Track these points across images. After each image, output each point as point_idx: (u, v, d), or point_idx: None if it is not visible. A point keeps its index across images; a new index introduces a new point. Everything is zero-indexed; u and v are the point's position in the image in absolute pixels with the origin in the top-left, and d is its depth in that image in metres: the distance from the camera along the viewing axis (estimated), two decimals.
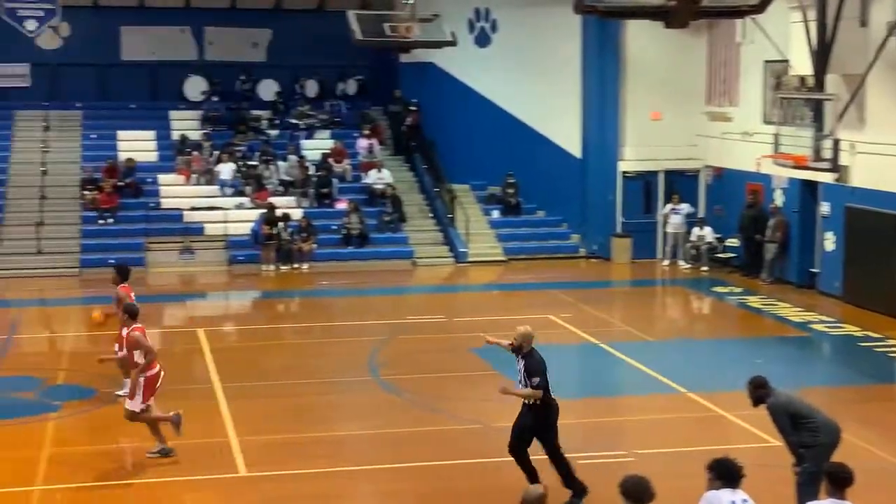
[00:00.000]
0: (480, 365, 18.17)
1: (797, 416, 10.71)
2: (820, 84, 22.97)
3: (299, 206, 29.64)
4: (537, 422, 11.81)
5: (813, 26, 22.93)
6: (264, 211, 28.32)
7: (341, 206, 29.76)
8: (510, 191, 31.04)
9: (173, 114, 32.86)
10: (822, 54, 22.84)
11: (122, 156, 30.53)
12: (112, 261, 27.18)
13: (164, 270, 27.59)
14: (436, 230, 30.20)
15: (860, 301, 22.95)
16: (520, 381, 11.90)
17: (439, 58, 31.15)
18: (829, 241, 24.14)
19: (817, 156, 22.72)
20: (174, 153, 31.15)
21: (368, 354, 18.95)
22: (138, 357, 13.23)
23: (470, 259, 29.05)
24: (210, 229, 28.69)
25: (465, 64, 31.35)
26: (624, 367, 18.64)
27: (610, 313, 23.47)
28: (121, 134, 31.84)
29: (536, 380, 11.68)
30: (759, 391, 10.86)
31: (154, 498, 12.45)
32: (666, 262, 28.60)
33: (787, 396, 10.93)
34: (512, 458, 11.92)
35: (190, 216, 28.91)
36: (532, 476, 11.70)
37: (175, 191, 30.03)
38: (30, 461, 13.41)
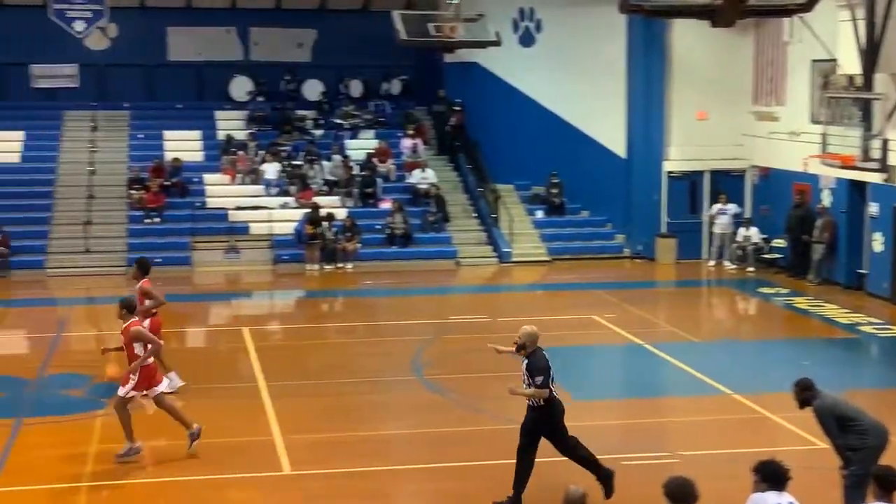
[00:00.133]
0: None
1: (844, 418, 10.60)
2: (868, 83, 22.75)
3: (344, 206, 29.74)
4: (541, 423, 11.72)
5: (861, 25, 22.72)
6: (308, 211, 28.45)
7: (385, 205, 29.83)
8: (554, 191, 30.96)
9: (219, 114, 33.08)
10: (870, 53, 22.62)
11: (169, 155, 30.78)
12: (159, 260, 27.57)
13: (210, 270, 27.79)
14: (479, 230, 30.18)
15: None
16: (524, 383, 11.79)
17: (483, 58, 31.13)
18: (878, 242, 23.87)
19: (865, 156, 22.52)
20: (220, 153, 31.35)
21: (412, 354, 18.97)
22: (138, 349, 13.31)
23: (514, 259, 29.02)
24: (255, 229, 28.85)
25: (509, 64, 31.30)
26: (668, 367, 18.53)
27: (654, 314, 23.34)
28: (167, 134, 32.10)
29: (539, 379, 11.58)
30: (805, 393, 10.76)
31: (199, 495, 12.53)
32: (712, 263, 28.42)
33: (834, 399, 10.82)
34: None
35: (235, 216, 29.09)
36: (520, 480, 11.67)
37: (220, 190, 30.23)
38: (78, 458, 13.55)
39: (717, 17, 19.91)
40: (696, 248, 29.05)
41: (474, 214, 30.73)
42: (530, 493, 11.83)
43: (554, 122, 31.09)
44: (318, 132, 32.69)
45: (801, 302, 23.82)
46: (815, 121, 25.44)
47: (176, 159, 30.44)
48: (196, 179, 30.39)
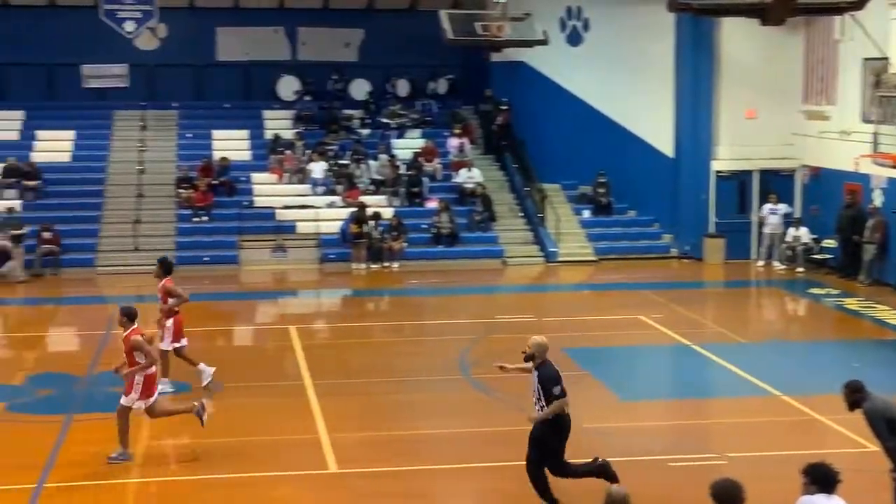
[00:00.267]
0: (571, 365, 18.06)
1: (894, 421, 10.46)
2: None
3: (390, 205, 29.79)
4: (553, 434, 11.45)
5: None
6: (354, 210, 28.53)
7: (432, 205, 29.84)
8: (601, 190, 30.83)
9: (266, 113, 33.26)
10: None
11: (217, 155, 30.98)
12: (206, 258, 27.86)
13: (257, 268, 27.95)
14: (526, 230, 30.12)
15: None
16: (534, 395, 11.50)
17: (530, 57, 31.06)
18: None
19: None
20: (267, 152, 31.52)
21: (459, 353, 18.96)
22: (139, 357, 13.25)
23: (560, 259, 28.93)
24: (302, 228, 28.97)
25: (556, 63, 31.20)
26: (716, 368, 18.39)
27: (702, 314, 23.18)
28: (215, 133, 32.32)
29: (557, 388, 11.29)
30: (855, 395, 10.62)
31: (246, 492, 12.59)
32: (761, 263, 28.17)
33: (884, 401, 10.68)
34: (573, 460, 11.76)
35: (282, 214, 29.23)
36: (544, 489, 11.52)
37: (268, 189, 30.39)
38: None
39: (766, 15, 19.75)
40: (745, 248, 28.82)
41: (521, 214, 30.67)
42: (571, 495, 11.77)
43: (601, 122, 30.95)
44: (365, 131, 32.77)
45: (851, 303, 23.55)
46: (866, 120, 25.15)
47: (224, 158, 30.63)
48: (244, 178, 30.57)
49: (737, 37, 27.88)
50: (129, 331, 13.27)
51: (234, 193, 29.92)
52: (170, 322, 16.26)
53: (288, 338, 20.34)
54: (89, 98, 33.24)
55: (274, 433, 14.52)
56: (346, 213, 28.87)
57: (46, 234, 27.20)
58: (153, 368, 13.41)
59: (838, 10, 21.47)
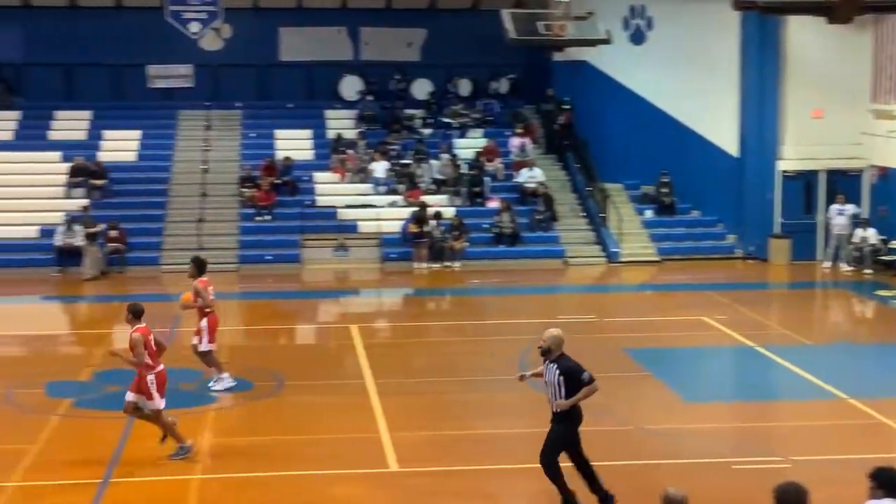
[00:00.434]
0: (633, 366, 17.99)
1: None
2: None
3: (451, 205, 29.80)
4: (570, 427, 11.34)
5: None
6: (415, 209, 28.57)
7: (493, 204, 29.80)
8: (664, 190, 30.60)
9: (329, 113, 33.43)
10: None
11: (280, 154, 31.19)
12: (269, 257, 28.07)
13: (319, 267, 28.10)
14: (588, 229, 29.97)
15: None
16: (552, 391, 11.32)
17: (593, 56, 30.90)
18: None
19: None
20: (329, 152, 31.68)
21: (519, 353, 18.89)
22: (136, 356, 13.08)
23: (622, 259, 28.75)
24: (363, 227, 29.07)
25: (619, 62, 31.00)
26: (781, 370, 18.15)
27: (767, 316, 22.90)
28: (278, 133, 32.55)
29: (587, 374, 11.22)
30: None
31: (306, 490, 12.65)
32: (827, 264, 27.77)
33: None
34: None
35: (344, 214, 29.36)
36: (593, 481, 11.40)
37: (330, 189, 30.54)
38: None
39: (833, 13, 19.49)
40: (811, 249, 28.44)
41: (582, 214, 30.53)
42: (627, 496, 11.68)
43: (664, 121, 30.71)
44: (427, 131, 32.82)
45: None
46: None
47: (287, 158, 30.83)
48: (306, 178, 30.74)
49: (803, 35, 27.53)
50: (133, 328, 13.20)
51: (296, 193, 30.10)
52: (204, 322, 16.31)
53: (349, 337, 20.41)
54: (155, 98, 33.64)
55: (335, 431, 14.57)
56: (407, 212, 28.93)
57: (113, 233, 27.59)
58: (161, 367, 13.23)
59: None
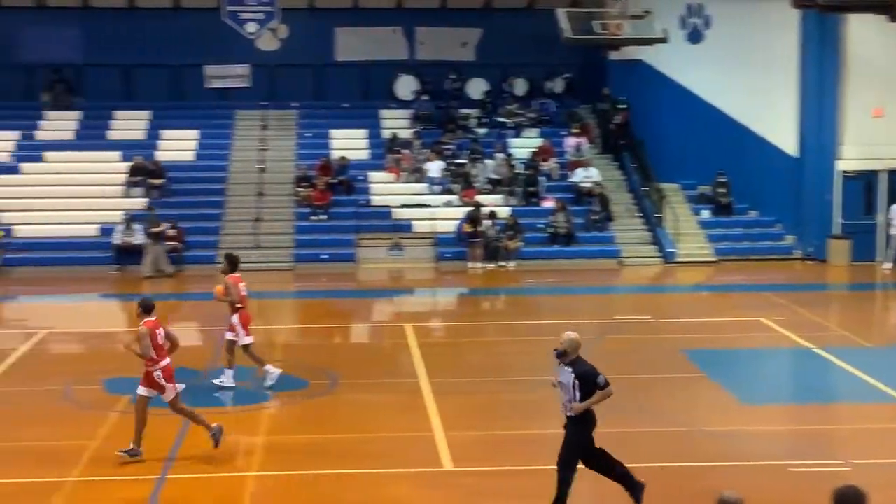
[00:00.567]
0: (690, 367, 17.84)
1: None
2: None
3: (506, 205, 29.76)
4: (575, 431, 11.15)
5: None
6: (470, 209, 28.57)
7: (548, 204, 29.72)
8: (721, 190, 30.34)
9: (384, 112, 33.53)
10: None
11: (335, 154, 31.32)
12: (324, 256, 28.21)
13: (374, 266, 28.19)
14: (643, 230, 29.80)
15: None
16: (566, 392, 11.14)
17: (649, 55, 30.72)
18: None
19: None
20: (385, 151, 31.76)
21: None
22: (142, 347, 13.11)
23: (678, 259, 28.55)
24: (418, 226, 29.12)
25: (676, 61, 30.80)
26: (840, 373, 17.91)
27: (826, 317, 22.61)
28: (334, 132, 32.70)
29: (602, 378, 11.08)
30: None
31: (360, 488, 12.67)
32: (887, 266, 27.38)
33: None
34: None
35: (399, 213, 29.42)
36: (625, 478, 11.27)
37: (385, 188, 30.62)
38: (246, 448, 13.88)
39: (894, 11, 19.15)
40: (871, 250, 28.09)
41: (638, 214, 30.36)
42: (682, 498, 11.56)
43: (721, 120, 30.47)
44: (482, 131, 32.80)
45: None
46: None
47: (342, 158, 30.95)
48: (361, 177, 30.85)
49: (864, 33, 27.16)
50: (141, 322, 13.31)
51: (351, 192, 30.21)
52: (235, 318, 16.37)
53: (403, 336, 20.44)
54: (212, 98, 33.95)
55: (389, 430, 14.59)
56: (462, 212, 28.93)
57: (171, 232, 27.85)
58: (167, 360, 13.26)
59: None
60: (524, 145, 32.13)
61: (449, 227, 28.85)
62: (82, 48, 33.28)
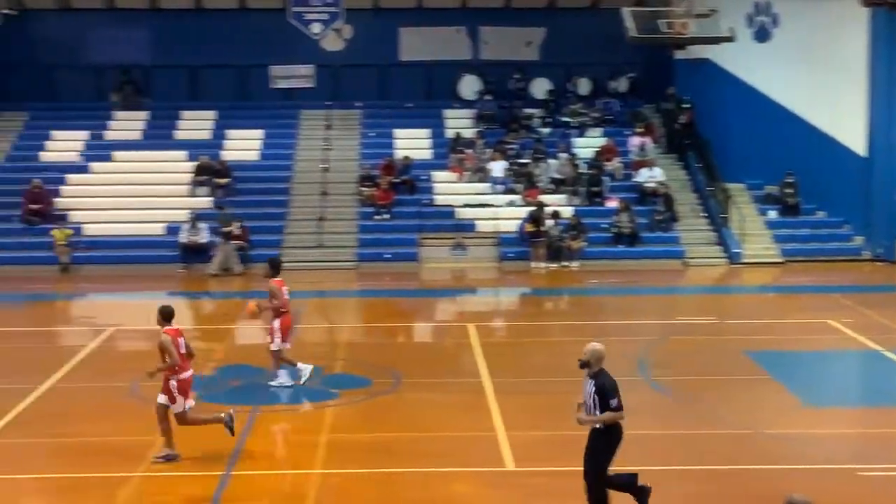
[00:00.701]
0: (754, 369, 17.65)
1: None
2: None
3: (570, 204, 29.65)
4: (599, 444, 10.92)
5: None
6: (533, 209, 28.50)
7: (612, 204, 29.56)
8: (789, 190, 29.99)
9: (447, 112, 33.55)
10: None
11: (399, 153, 31.41)
12: (388, 255, 28.30)
13: (437, 266, 28.23)
14: (709, 230, 29.53)
15: None
16: (588, 404, 10.92)
17: (715, 54, 30.44)
18: None
19: None
20: (448, 151, 31.78)
21: (638, 354, 18.70)
22: (167, 358, 13.05)
23: (744, 260, 28.26)
24: (481, 226, 29.11)
25: (743, 60, 30.49)
26: None
27: (895, 320, 22.23)
28: (397, 132, 32.79)
29: (615, 401, 10.78)
30: None
31: (424, 486, 12.69)
32: None
33: None
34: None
35: (462, 213, 29.43)
36: (634, 486, 11.09)
37: (448, 188, 30.64)
38: (310, 446, 13.96)
39: None
40: None
41: (703, 214, 30.09)
42: (748, 501, 11.42)
43: (789, 120, 30.13)
44: (546, 130, 32.71)
45: None
46: None
47: (406, 157, 31.02)
48: (424, 177, 30.90)
49: None
50: (163, 330, 13.18)
51: (414, 192, 30.28)
52: (276, 322, 16.38)
53: (466, 335, 20.44)
54: (277, 98, 34.20)
55: (452, 429, 14.60)
56: (525, 211, 28.87)
57: (237, 231, 28.10)
58: (189, 372, 13.20)
59: None
60: (588, 145, 31.98)
61: (512, 226, 28.82)
62: (150, 49, 33.71)
